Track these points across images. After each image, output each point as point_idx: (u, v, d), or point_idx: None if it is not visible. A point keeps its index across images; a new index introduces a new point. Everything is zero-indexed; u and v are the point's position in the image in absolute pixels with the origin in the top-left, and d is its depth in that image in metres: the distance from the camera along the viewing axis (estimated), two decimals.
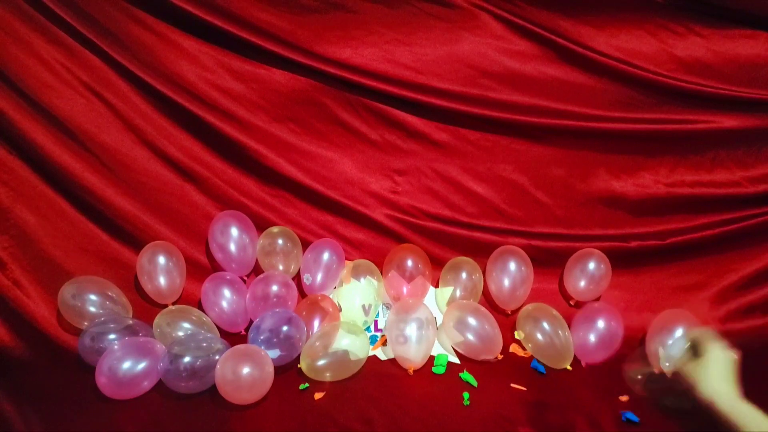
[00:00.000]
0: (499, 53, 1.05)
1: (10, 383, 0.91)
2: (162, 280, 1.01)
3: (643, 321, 1.08)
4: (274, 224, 1.11)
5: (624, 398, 0.90)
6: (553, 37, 1.03)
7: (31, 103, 0.97)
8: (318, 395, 0.90)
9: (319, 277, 1.06)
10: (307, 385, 0.91)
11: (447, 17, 1.05)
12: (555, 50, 1.04)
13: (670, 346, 0.92)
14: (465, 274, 1.08)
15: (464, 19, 1.05)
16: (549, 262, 1.13)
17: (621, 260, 1.11)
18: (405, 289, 1.05)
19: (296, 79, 1.05)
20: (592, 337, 0.99)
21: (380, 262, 1.13)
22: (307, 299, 1.04)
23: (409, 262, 1.07)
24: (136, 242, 1.05)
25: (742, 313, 1.09)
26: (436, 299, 1.09)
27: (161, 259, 1.02)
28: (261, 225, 1.11)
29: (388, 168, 1.12)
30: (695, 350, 0.77)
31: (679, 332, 0.95)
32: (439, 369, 0.98)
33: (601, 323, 1.00)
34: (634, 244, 1.10)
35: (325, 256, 1.08)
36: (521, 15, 1.04)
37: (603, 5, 1.04)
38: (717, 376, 0.72)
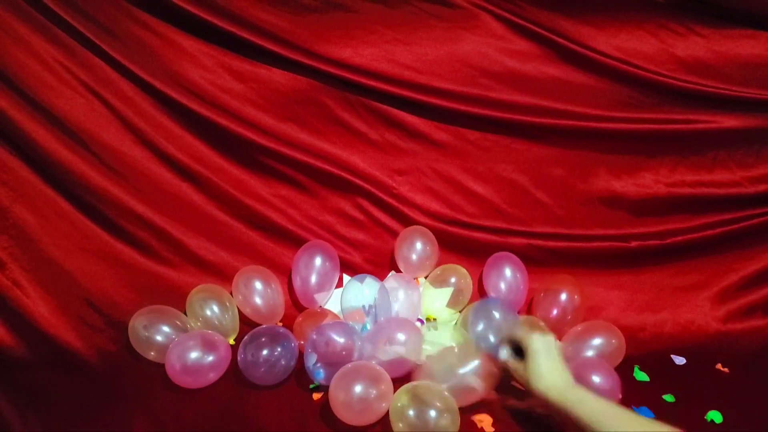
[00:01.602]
0: (499, 53, 1.05)
1: (10, 383, 0.91)
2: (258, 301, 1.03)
3: (643, 321, 1.08)
4: (275, 224, 1.11)
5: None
6: (553, 37, 1.02)
7: (30, 103, 0.97)
8: (317, 395, 0.90)
9: (313, 279, 1.05)
10: (317, 384, 0.91)
11: (447, 17, 1.05)
12: (555, 50, 1.04)
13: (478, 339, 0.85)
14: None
15: (464, 18, 1.05)
16: (549, 262, 1.12)
17: (621, 260, 1.11)
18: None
19: (296, 79, 1.05)
20: None
21: (380, 262, 1.13)
22: (308, 313, 1.03)
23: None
24: (137, 242, 1.05)
25: (742, 314, 1.09)
26: (432, 301, 1.08)
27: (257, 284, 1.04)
28: (261, 225, 1.11)
29: (388, 168, 1.12)
30: (515, 349, 0.72)
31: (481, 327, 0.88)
32: None
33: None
34: (634, 244, 1.10)
35: (318, 260, 1.07)
36: (521, 15, 1.04)
37: (603, 5, 1.04)
38: (544, 371, 0.66)
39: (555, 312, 1.03)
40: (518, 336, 0.71)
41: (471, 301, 1.09)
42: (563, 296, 1.04)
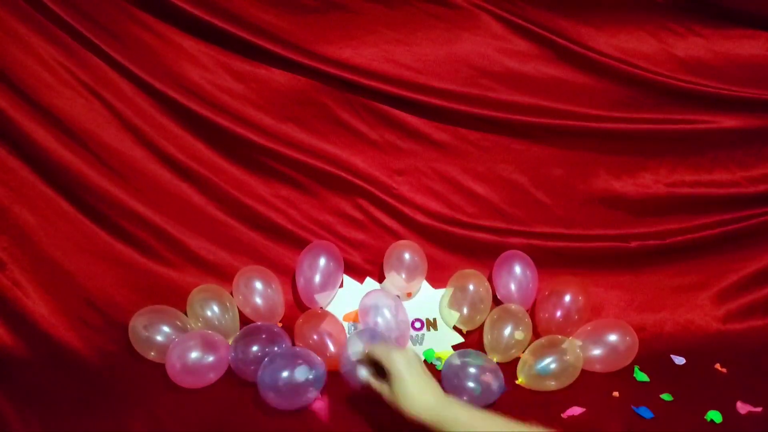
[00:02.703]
0: (499, 53, 1.05)
1: (10, 383, 0.91)
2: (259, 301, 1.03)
3: (643, 321, 1.08)
4: (275, 224, 1.11)
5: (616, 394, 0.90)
6: (552, 37, 1.02)
7: (30, 103, 0.97)
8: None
9: (317, 278, 1.05)
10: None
11: (447, 17, 1.05)
12: (555, 50, 1.04)
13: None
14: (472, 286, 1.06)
15: (464, 19, 1.05)
16: (549, 263, 1.12)
17: (621, 260, 1.11)
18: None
19: (296, 79, 1.05)
20: None
21: (380, 262, 1.12)
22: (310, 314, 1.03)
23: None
24: (137, 242, 1.05)
25: (742, 314, 1.09)
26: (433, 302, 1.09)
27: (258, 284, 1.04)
28: (261, 225, 1.11)
29: (387, 168, 1.12)
30: (377, 370, 0.68)
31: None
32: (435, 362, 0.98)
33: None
34: (634, 244, 1.10)
35: (322, 261, 1.06)
36: (521, 15, 1.04)
37: (603, 5, 1.04)
38: (411, 391, 0.63)
39: (559, 313, 1.03)
40: (377, 354, 0.68)
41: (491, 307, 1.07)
42: (567, 297, 1.04)
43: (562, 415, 0.86)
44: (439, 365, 0.96)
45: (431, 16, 1.05)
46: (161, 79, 1.02)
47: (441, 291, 1.10)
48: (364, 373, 0.71)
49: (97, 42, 0.98)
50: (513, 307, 1.02)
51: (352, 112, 1.09)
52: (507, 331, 0.98)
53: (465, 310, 1.03)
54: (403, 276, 1.03)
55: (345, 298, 1.08)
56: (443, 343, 1.04)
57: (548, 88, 1.06)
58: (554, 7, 1.04)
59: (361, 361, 0.73)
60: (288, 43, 1.03)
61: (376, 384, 0.69)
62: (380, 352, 0.68)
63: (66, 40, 0.98)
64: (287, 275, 1.12)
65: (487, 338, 1.01)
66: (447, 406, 0.62)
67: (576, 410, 0.87)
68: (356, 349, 0.77)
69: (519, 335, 0.98)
